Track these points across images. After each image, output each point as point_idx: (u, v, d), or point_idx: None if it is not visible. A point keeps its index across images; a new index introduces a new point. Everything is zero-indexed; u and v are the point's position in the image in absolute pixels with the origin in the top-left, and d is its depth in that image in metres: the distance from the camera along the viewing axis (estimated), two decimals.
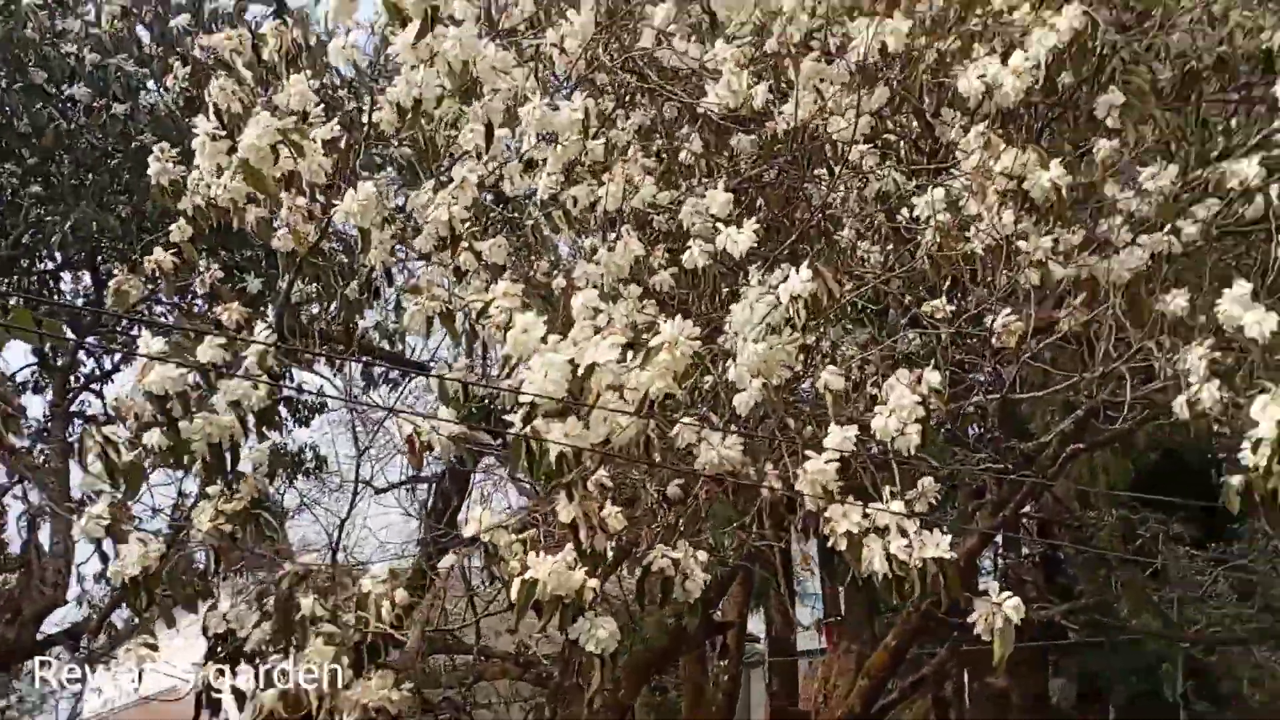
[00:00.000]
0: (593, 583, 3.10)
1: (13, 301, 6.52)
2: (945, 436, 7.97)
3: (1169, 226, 4.07)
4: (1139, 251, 4.05)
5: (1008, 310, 3.89)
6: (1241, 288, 3.47)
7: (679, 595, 3.50)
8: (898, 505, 3.11)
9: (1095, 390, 4.61)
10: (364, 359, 5.45)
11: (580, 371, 2.82)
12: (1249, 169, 3.93)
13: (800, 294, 3.28)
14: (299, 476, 7.14)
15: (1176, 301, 3.90)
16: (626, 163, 4.01)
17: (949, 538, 3.03)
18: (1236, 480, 3.35)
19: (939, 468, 7.56)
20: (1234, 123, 4.49)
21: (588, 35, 4.08)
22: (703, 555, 3.50)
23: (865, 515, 3.08)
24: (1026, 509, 8.66)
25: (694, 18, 4.40)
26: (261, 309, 5.98)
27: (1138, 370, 4.16)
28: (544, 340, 2.91)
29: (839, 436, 3.19)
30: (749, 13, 4.15)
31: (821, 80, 4.16)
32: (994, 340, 3.95)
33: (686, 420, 3.39)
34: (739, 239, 3.80)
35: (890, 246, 4.64)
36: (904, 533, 3.04)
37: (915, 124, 4.47)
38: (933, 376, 3.28)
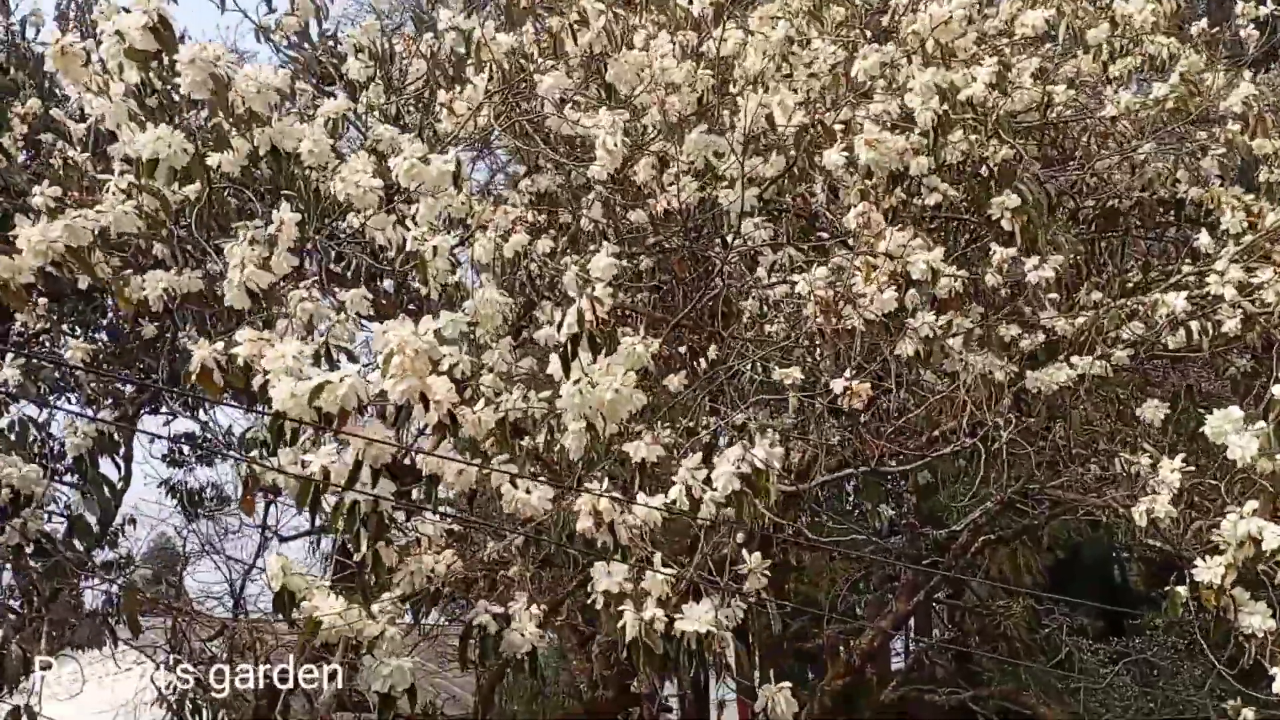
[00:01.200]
0: (388, 628, 2.92)
1: None
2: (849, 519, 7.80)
3: (1099, 350, 4.11)
4: (1067, 369, 4.10)
5: (849, 373, 3.69)
6: (1235, 411, 3.42)
7: (505, 651, 3.19)
8: (667, 570, 2.89)
9: (1005, 485, 4.66)
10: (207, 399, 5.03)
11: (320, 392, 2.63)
12: (1177, 302, 3.98)
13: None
14: (198, 519, 6.67)
15: (1155, 413, 4.03)
16: (495, 214, 3.75)
17: (712, 613, 2.81)
18: (1183, 590, 3.34)
19: (852, 552, 7.41)
20: (1151, 260, 4.73)
21: (478, 98, 3.85)
22: (536, 610, 3.18)
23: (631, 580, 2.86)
24: (939, 595, 8.44)
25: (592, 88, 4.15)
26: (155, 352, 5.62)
27: (1046, 469, 4.29)
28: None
29: (645, 508, 3.01)
30: (641, 85, 3.91)
31: (709, 151, 3.97)
32: (840, 403, 3.78)
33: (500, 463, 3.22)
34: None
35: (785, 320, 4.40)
36: (664, 602, 2.81)
37: (803, 200, 4.21)
38: (759, 451, 3.04)
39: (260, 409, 3.49)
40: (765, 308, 4.50)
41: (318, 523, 3.50)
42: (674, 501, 2.99)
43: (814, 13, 4.09)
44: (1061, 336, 4.14)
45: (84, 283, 3.43)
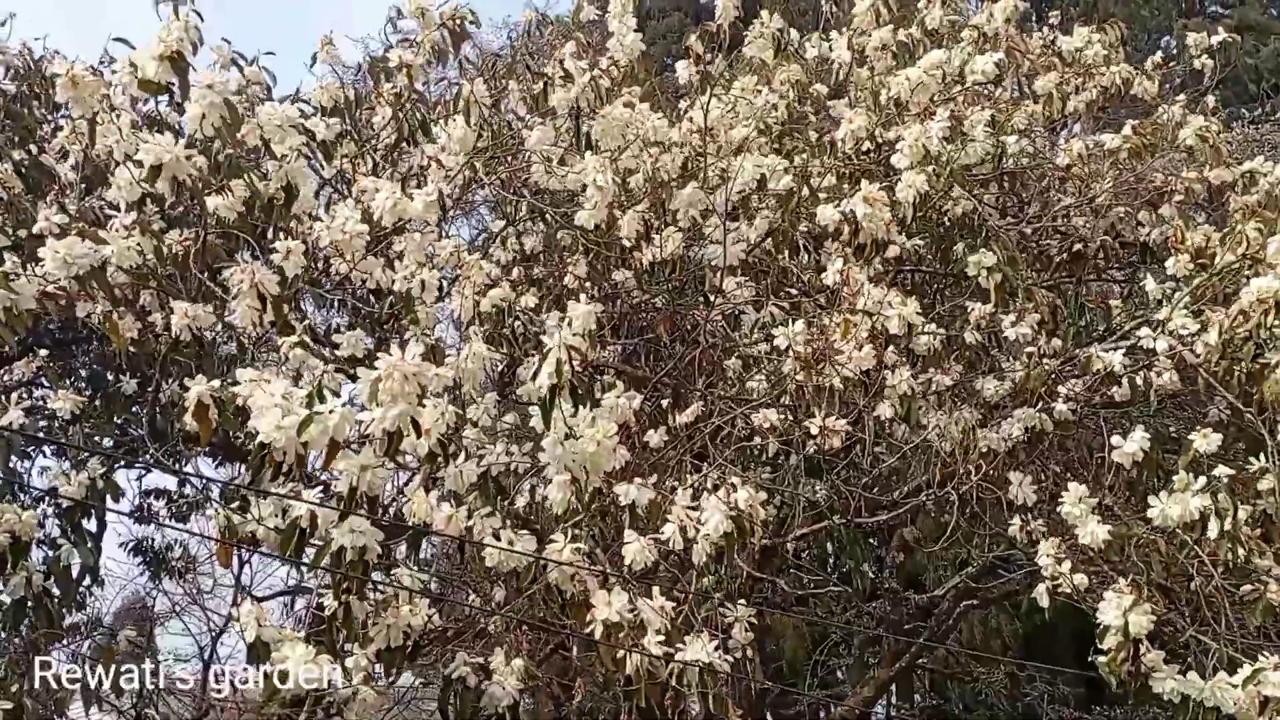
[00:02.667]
0: (360, 688, 2.85)
1: None
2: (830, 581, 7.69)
3: (1041, 403, 4.11)
4: (1015, 423, 4.11)
5: (826, 411, 3.71)
6: (1078, 489, 3.47)
7: (485, 705, 3.13)
8: (662, 603, 2.86)
9: (987, 548, 4.74)
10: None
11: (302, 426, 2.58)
12: (1113, 357, 3.98)
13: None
14: (165, 579, 6.50)
15: (1024, 490, 3.94)
16: (473, 266, 3.75)
17: (712, 644, 2.78)
18: (1103, 660, 3.25)
19: (828, 616, 7.32)
20: (1113, 305, 4.66)
21: (467, 147, 3.92)
22: (518, 663, 3.12)
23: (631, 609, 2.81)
24: (921, 660, 8.32)
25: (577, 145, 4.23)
26: (136, 409, 5.57)
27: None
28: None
29: (635, 548, 2.98)
30: (625, 143, 3.98)
31: (693, 209, 4.04)
32: (815, 442, 3.75)
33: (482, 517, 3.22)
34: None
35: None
36: (666, 635, 2.76)
37: (788, 257, 4.26)
38: (742, 495, 3.04)
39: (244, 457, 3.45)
40: (748, 365, 4.54)
41: (299, 574, 3.42)
42: (668, 540, 2.97)
43: (763, 72, 4.16)
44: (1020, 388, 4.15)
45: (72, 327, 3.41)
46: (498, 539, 3.22)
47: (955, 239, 4.47)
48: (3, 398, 4.18)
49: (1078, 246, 4.64)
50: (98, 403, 5.70)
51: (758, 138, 4.04)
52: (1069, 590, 3.54)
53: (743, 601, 3.33)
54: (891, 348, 3.96)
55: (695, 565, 3.03)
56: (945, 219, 4.49)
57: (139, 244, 3.28)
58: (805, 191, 4.02)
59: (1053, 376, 4.17)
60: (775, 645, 9.00)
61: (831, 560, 8.74)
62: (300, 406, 2.68)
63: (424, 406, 2.74)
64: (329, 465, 2.67)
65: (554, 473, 3.13)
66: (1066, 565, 3.55)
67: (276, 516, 3.27)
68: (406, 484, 3.51)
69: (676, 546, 2.98)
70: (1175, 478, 3.39)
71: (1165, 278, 4.10)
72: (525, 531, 3.45)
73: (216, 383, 2.94)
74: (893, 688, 8.85)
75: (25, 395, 5.29)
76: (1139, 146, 4.48)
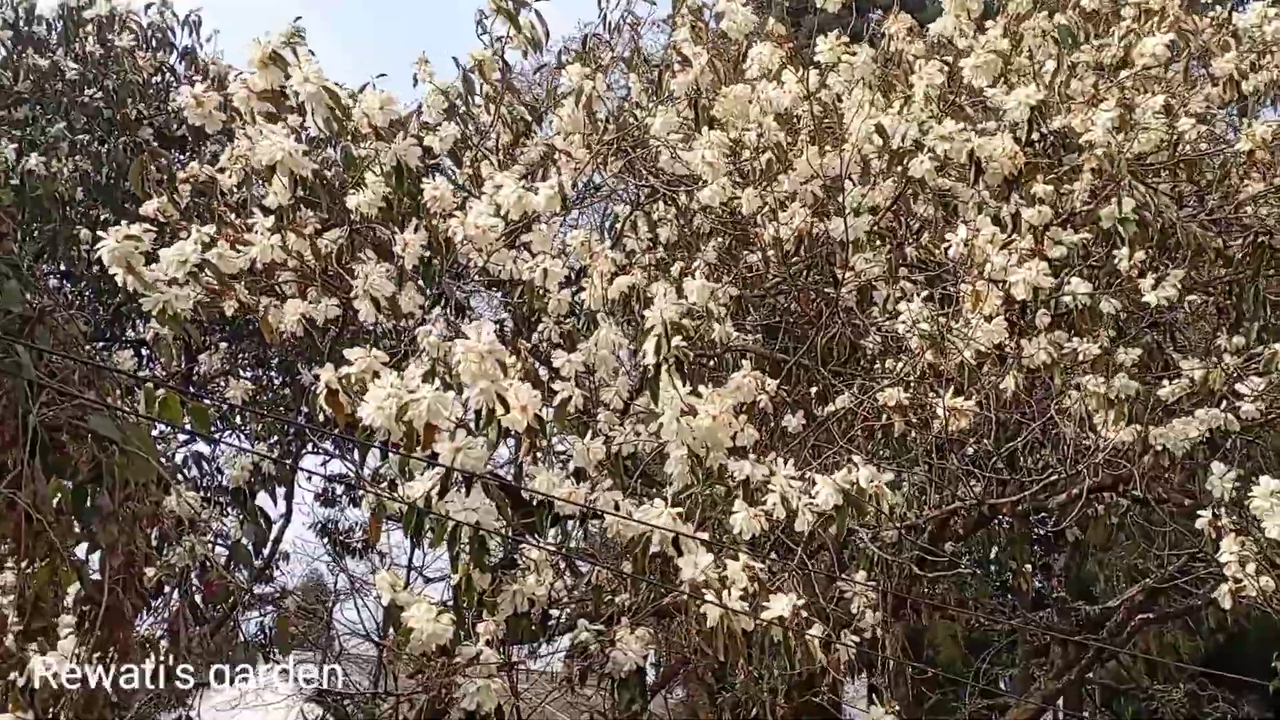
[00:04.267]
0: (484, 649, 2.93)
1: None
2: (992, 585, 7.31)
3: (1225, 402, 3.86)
4: (1196, 423, 3.87)
5: (952, 391, 3.53)
6: (1270, 482, 3.23)
7: (610, 669, 3.24)
8: (746, 559, 2.84)
9: (1165, 560, 4.43)
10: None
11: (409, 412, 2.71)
12: None
13: None
14: (347, 557, 6.99)
15: (1224, 482, 3.70)
16: (601, 255, 3.87)
17: (800, 602, 2.76)
18: None
19: (997, 622, 6.98)
20: None
21: (578, 127, 4.04)
22: (642, 631, 3.20)
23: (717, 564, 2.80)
24: (1091, 674, 7.81)
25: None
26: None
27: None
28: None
29: (742, 517, 2.97)
30: (749, 116, 3.98)
31: (814, 179, 3.98)
32: (939, 425, 3.62)
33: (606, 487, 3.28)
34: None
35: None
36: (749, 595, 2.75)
37: (911, 227, 4.13)
38: (863, 472, 3.00)
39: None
40: (888, 346, 4.42)
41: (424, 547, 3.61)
42: (771, 511, 2.98)
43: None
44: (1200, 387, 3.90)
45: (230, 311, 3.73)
46: (616, 511, 3.28)
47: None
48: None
49: (1262, 238, 4.23)
50: (287, 391, 6.22)
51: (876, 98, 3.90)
52: (1254, 593, 3.28)
53: (863, 573, 3.26)
54: (1041, 312, 3.76)
55: (805, 539, 2.99)
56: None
57: (284, 244, 3.52)
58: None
59: (1234, 375, 3.89)
60: (933, 651, 8.66)
61: (994, 566, 8.35)
62: (409, 392, 2.81)
63: (519, 384, 2.83)
64: (427, 446, 2.80)
65: (672, 449, 3.18)
66: (1251, 567, 3.28)
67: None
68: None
69: (779, 516, 2.96)
70: None
71: None
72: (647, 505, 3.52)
73: (345, 369, 3.14)
74: (1060, 701, 8.36)
75: (221, 384, 5.83)
76: None
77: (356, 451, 5.94)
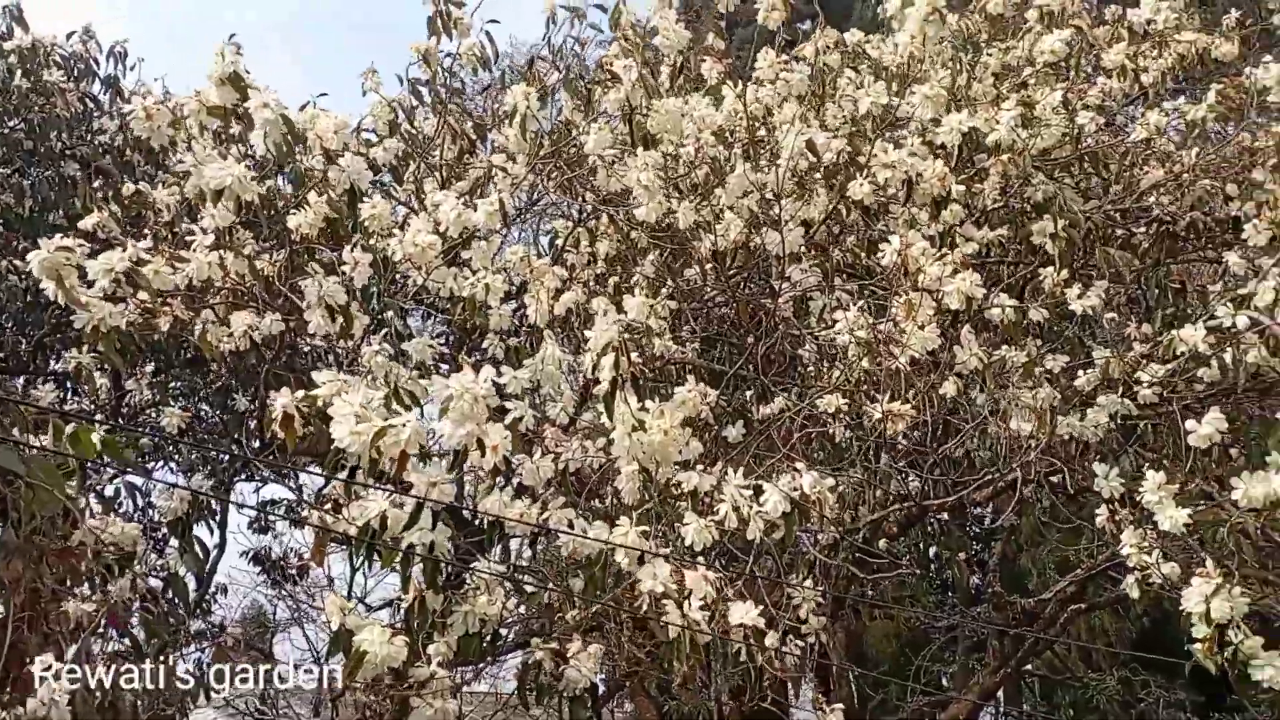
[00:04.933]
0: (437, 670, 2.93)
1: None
2: (931, 583, 7.50)
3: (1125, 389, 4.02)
4: (1102, 411, 4.02)
5: (888, 396, 3.67)
6: (1156, 476, 3.38)
7: (564, 688, 3.25)
8: (707, 571, 2.93)
9: (1094, 551, 4.60)
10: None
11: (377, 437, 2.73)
12: (1195, 334, 3.81)
13: None
14: (286, 584, 6.86)
15: (1110, 481, 3.84)
16: (543, 271, 3.90)
17: (757, 610, 2.83)
18: (1196, 648, 3.17)
19: (936, 619, 7.18)
20: (1209, 288, 4.48)
21: (520, 146, 4.13)
22: (595, 648, 3.24)
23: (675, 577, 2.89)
24: (1028, 666, 8.05)
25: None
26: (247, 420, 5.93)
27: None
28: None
29: (694, 528, 3.04)
30: (680, 135, 4.05)
31: (749, 194, 4.08)
32: (876, 429, 3.74)
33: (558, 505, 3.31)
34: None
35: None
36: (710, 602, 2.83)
37: (844, 237, 4.25)
38: (807, 479, 3.10)
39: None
40: (825, 354, 4.52)
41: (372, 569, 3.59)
42: (723, 520, 3.03)
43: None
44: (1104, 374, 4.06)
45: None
46: (571, 529, 3.32)
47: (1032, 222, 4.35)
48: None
49: (1165, 227, 4.49)
50: (223, 419, 6.10)
51: (802, 109, 4.02)
52: (1159, 581, 3.44)
53: (809, 582, 3.34)
54: (967, 327, 3.92)
55: (754, 546, 3.06)
56: (1027, 206, 4.39)
57: (223, 262, 3.49)
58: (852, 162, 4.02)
59: (1140, 360, 4.07)
60: (874, 649, 8.85)
61: (933, 566, 8.56)
62: (377, 414, 2.84)
63: (491, 424, 2.86)
64: (399, 475, 2.81)
65: (623, 465, 3.23)
66: (1156, 554, 3.44)
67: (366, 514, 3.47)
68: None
69: (731, 526, 3.03)
70: (1269, 458, 3.24)
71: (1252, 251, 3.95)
72: (600, 522, 3.56)
73: (301, 392, 3.12)
74: (999, 694, 8.61)
75: (154, 414, 5.70)
76: (1226, 110, 4.28)
77: (294, 474, 5.88)
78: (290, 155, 3.47)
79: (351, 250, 3.62)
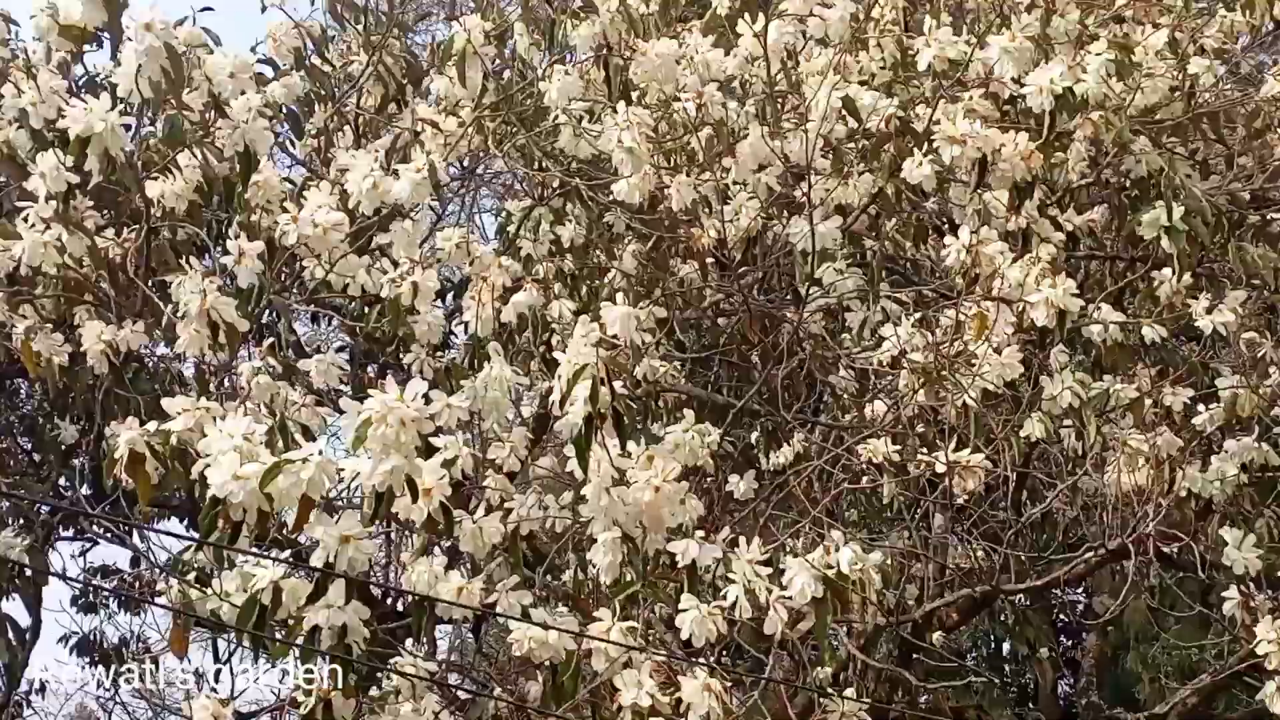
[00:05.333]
0: None
1: None
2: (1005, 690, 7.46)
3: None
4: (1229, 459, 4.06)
5: (953, 441, 3.68)
6: None
7: None
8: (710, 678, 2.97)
9: (1226, 651, 4.49)
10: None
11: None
12: None
13: None
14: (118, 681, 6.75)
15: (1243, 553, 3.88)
16: (489, 264, 3.97)
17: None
18: None
19: None
20: None
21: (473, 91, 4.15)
22: None
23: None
24: None
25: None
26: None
27: None
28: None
29: (693, 617, 3.05)
30: (674, 83, 4.10)
31: (767, 167, 4.10)
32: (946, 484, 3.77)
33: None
34: None
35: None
36: None
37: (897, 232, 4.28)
38: (845, 553, 3.09)
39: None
40: (864, 383, 4.57)
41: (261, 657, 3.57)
42: (732, 607, 3.03)
43: None
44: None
45: None
46: (527, 617, 3.32)
47: (1140, 209, 4.40)
48: None
49: None
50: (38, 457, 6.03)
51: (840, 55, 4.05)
52: None
53: (850, 692, 3.36)
54: (1058, 349, 3.95)
55: (774, 641, 3.08)
56: (1125, 182, 4.45)
57: (60, 242, 3.46)
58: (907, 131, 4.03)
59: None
60: None
61: (1007, 666, 8.54)
62: (265, 450, 2.83)
63: (423, 460, 2.86)
64: (300, 528, 2.82)
65: (599, 530, 3.24)
66: None
67: (244, 591, 3.44)
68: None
69: (743, 615, 3.04)
70: None
71: None
72: (565, 608, 3.54)
73: (153, 423, 3.12)
74: None
75: None
76: None
77: (139, 531, 5.81)
78: (176, 95, 3.42)
79: (235, 237, 3.62)
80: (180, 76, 3.45)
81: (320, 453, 2.80)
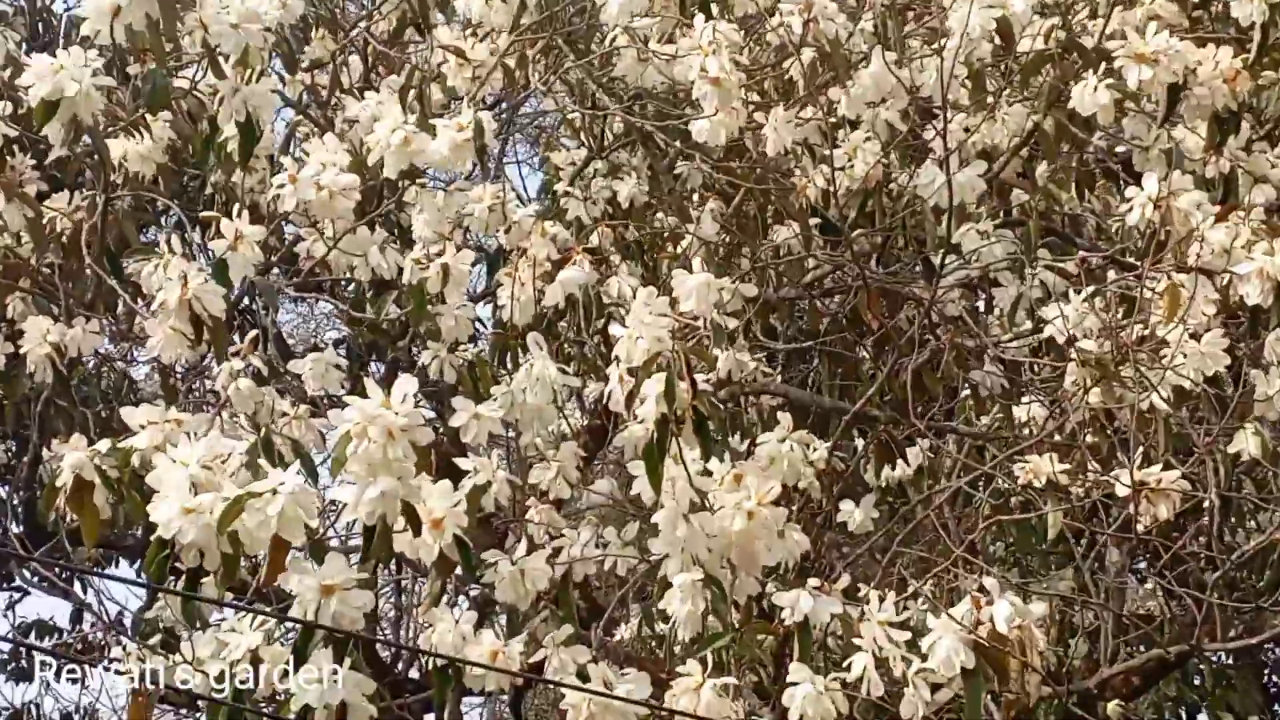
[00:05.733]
0: None
1: None
2: None
3: None
4: None
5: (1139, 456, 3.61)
6: None
7: None
8: None
9: None
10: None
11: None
12: None
13: None
14: None
15: None
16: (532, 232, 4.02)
17: None
18: None
19: None
20: None
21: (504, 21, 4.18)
22: None
23: None
24: None
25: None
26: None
27: None
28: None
29: (806, 695, 3.02)
30: None
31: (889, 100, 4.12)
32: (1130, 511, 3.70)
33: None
34: None
35: None
36: None
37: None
38: (1002, 608, 3.05)
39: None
40: (1014, 379, 4.58)
41: None
42: (858, 681, 3.02)
43: None
44: None
45: None
46: (584, 680, 3.31)
47: None
48: None
49: None
50: None
51: None
52: None
53: None
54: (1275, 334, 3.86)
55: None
56: None
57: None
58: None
59: None
60: None
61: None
62: (234, 479, 2.82)
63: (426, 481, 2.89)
64: (272, 579, 2.81)
65: (674, 570, 3.25)
66: None
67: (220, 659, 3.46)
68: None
69: (873, 690, 3.02)
70: None
71: None
72: (635, 671, 3.54)
73: (105, 442, 3.12)
74: None
75: None
76: None
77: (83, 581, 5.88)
78: (157, 46, 3.45)
79: (235, 214, 3.62)
80: (172, 23, 3.49)
81: (300, 480, 2.78)
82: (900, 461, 4.60)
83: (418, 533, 2.91)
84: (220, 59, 3.71)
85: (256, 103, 3.76)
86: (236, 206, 3.66)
